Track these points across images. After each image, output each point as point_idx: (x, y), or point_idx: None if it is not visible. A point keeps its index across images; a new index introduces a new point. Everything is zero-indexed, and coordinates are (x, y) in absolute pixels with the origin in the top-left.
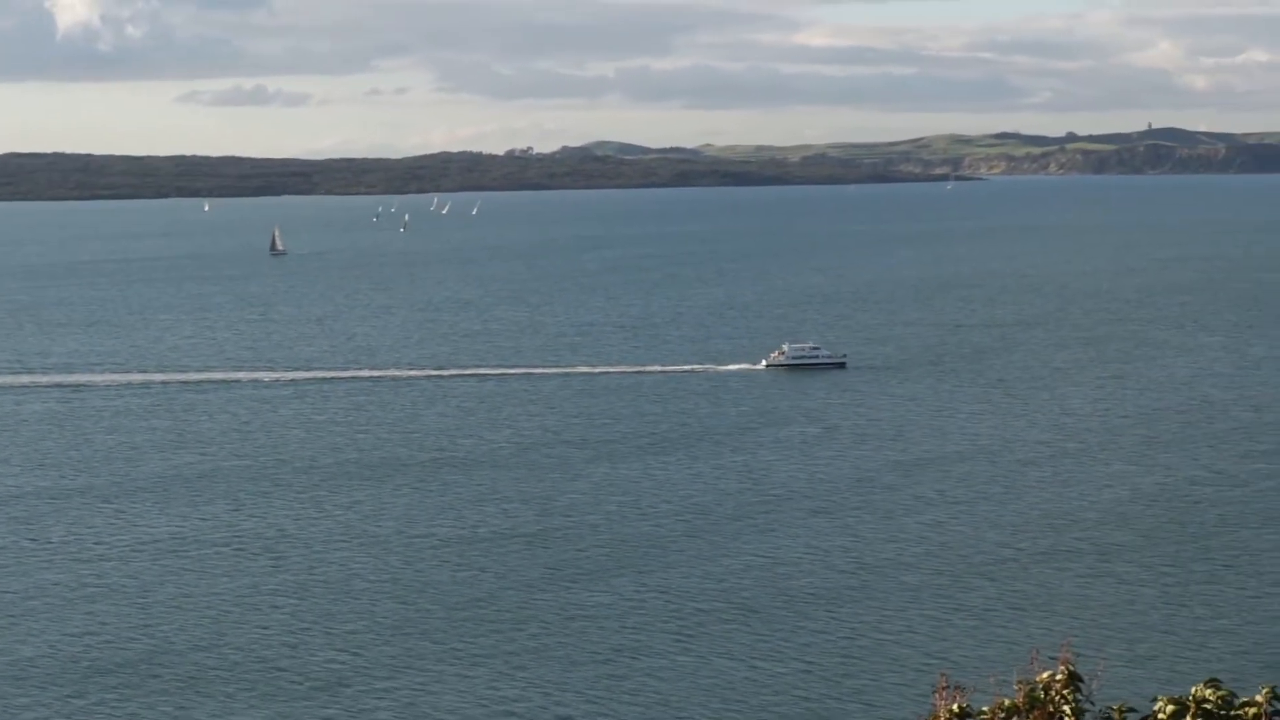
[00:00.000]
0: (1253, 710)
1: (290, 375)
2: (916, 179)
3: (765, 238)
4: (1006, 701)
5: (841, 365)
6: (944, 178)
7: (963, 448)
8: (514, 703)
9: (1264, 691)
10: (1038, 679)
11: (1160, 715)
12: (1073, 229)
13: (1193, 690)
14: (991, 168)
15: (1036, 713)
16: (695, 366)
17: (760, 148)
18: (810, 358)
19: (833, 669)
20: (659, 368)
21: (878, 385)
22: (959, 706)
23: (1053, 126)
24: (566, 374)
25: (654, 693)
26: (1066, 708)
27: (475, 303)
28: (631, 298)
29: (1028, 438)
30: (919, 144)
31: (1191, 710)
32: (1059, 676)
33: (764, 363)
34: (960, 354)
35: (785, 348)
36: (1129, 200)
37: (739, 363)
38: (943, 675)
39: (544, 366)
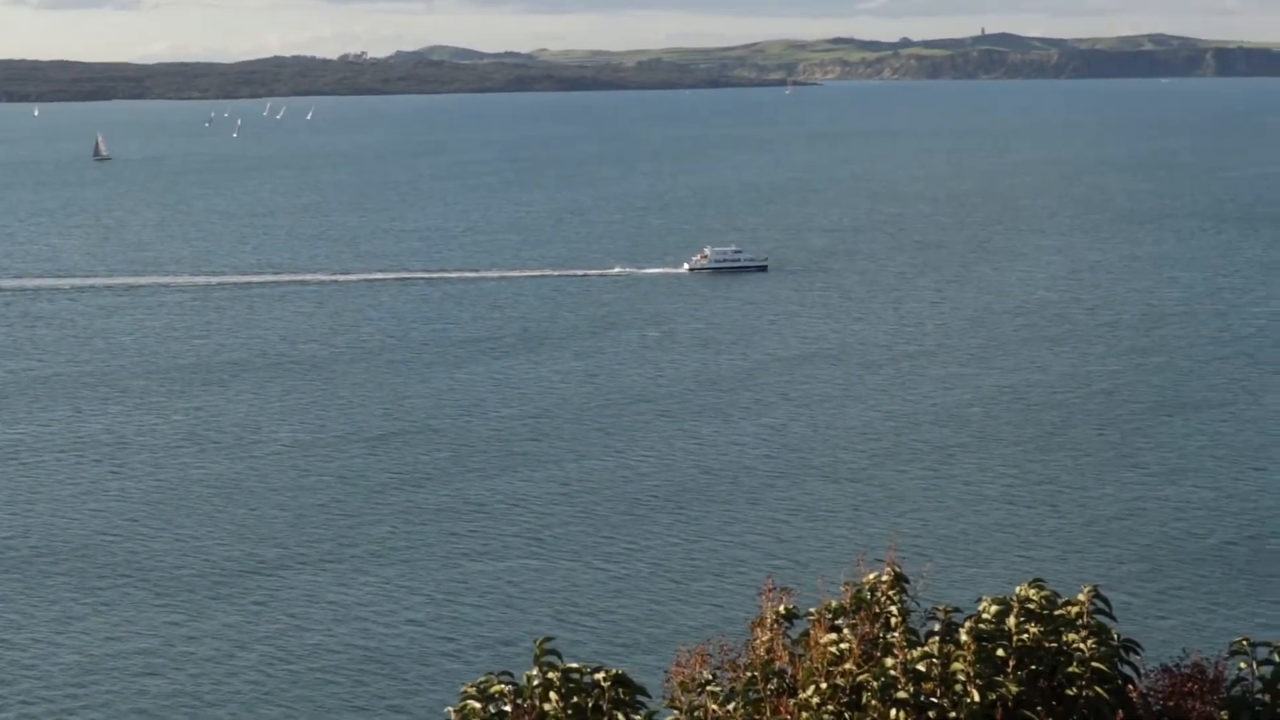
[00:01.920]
0: (1075, 609)
1: (126, 280)
2: (752, 84)
3: (603, 143)
4: (833, 603)
5: (764, 268)
6: (779, 83)
7: (804, 351)
8: (360, 606)
9: (1086, 591)
10: (864, 580)
11: (985, 615)
12: (909, 134)
13: (1017, 590)
14: (827, 73)
15: (862, 614)
16: (619, 270)
17: (596, 53)
18: (733, 261)
19: (676, 571)
20: (581, 272)
21: (717, 289)
22: (785, 608)
23: (887, 32)
24: (449, 278)
25: (500, 594)
26: (893, 608)
27: (313, 208)
28: (470, 202)
29: (869, 341)
30: (754, 49)
31: (1015, 610)
32: (885, 578)
33: (686, 266)
34: (799, 259)
35: (708, 251)
36: (964, 105)
37: (661, 266)
38: (769, 578)
39: (406, 271)
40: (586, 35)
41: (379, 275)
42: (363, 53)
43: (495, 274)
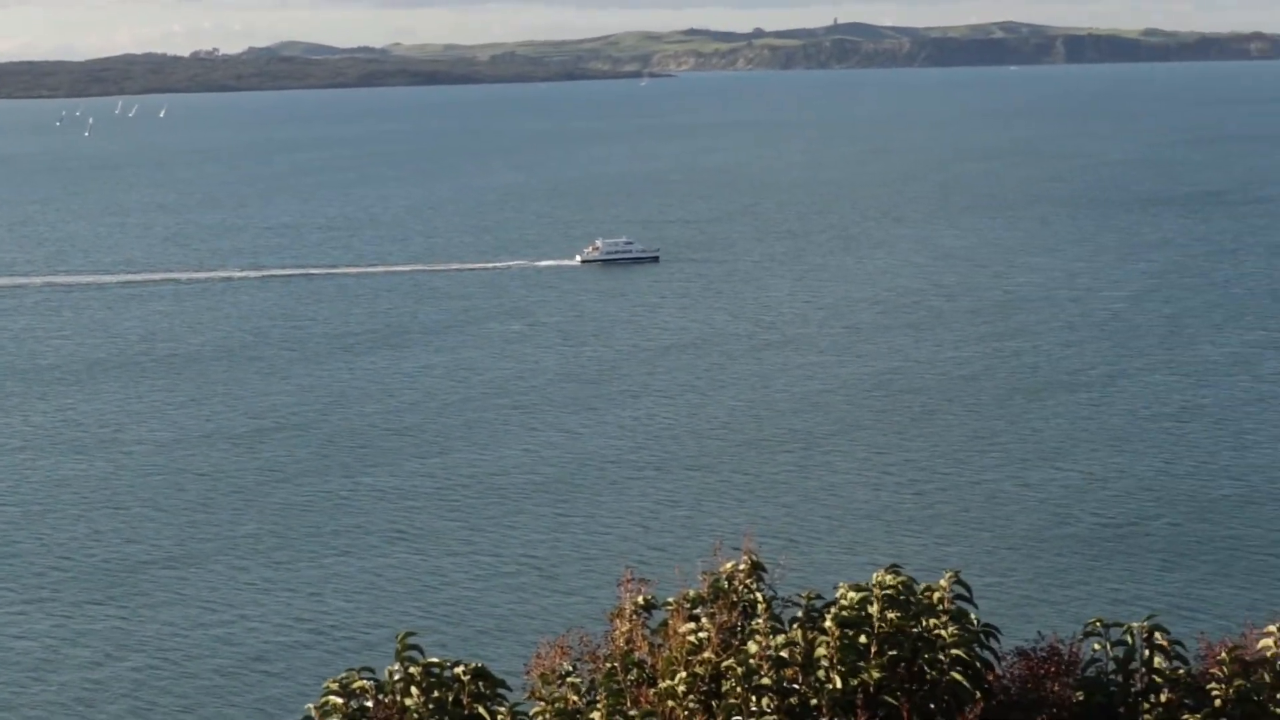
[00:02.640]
0: (936, 594)
1: None
2: (606, 76)
3: (459, 137)
4: (691, 592)
5: (655, 259)
6: (634, 75)
7: (667, 341)
8: (225, 604)
9: (947, 577)
10: (722, 569)
11: (843, 601)
12: (766, 124)
13: (875, 576)
14: (681, 64)
15: (720, 602)
16: (512, 263)
17: (450, 47)
18: (624, 252)
19: (539, 563)
20: (473, 265)
21: (604, 280)
22: (644, 599)
23: (740, 22)
24: (333, 274)
25: (366, 589)
26: (757, 595)
27: (168, 207)
28: (328, 198)
29: (731, 330)
30: (608, 41)
31: (877, 596)
32: (742, 566)
33: (579, 258)
34: (680, 249)
35: (599, 243)
36: (819, 95)
37: (554, 258)
38: (628, 569)
39: (289, 268)
40: (440, 29)
41: (237, 273)
42: (215, 49)
43: (380, 269)
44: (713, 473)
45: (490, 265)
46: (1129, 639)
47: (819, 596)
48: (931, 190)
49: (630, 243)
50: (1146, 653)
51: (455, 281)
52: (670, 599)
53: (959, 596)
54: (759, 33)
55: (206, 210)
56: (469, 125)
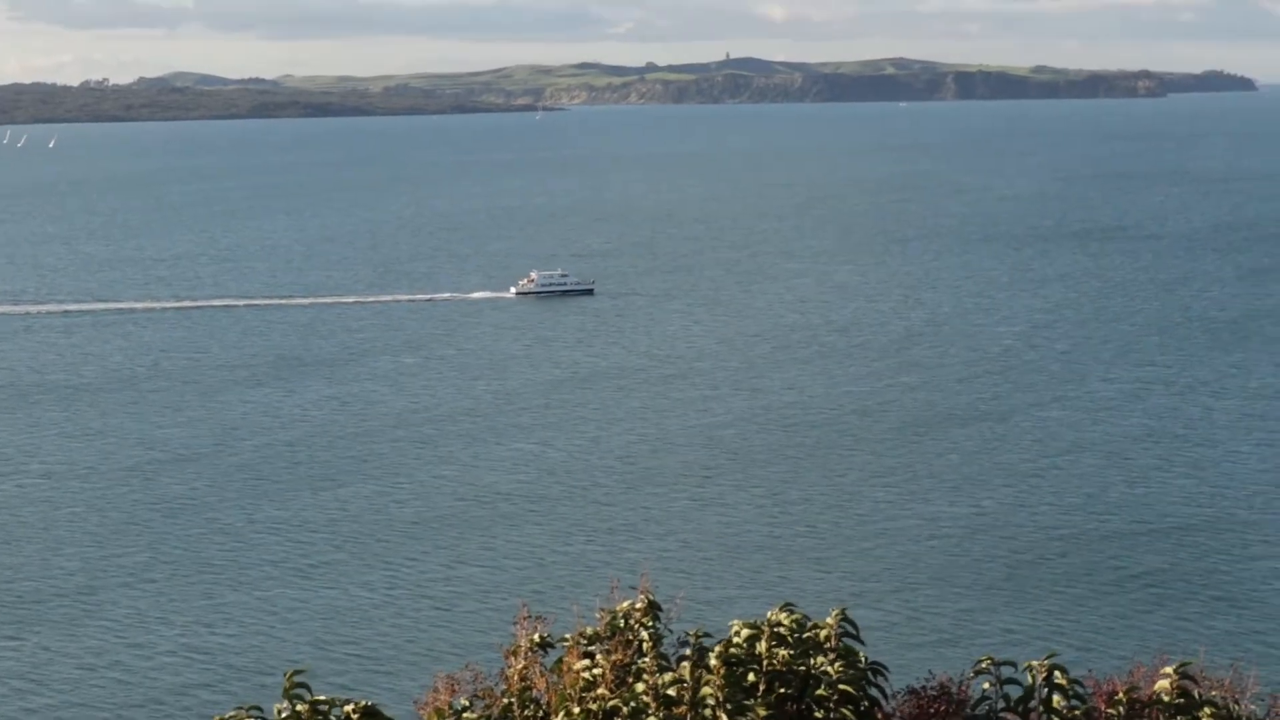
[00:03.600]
0: (823, 632)
1: None
2: (499, 109)
3: (354, 169)
4: (589, 630)
5: (590, 292)
6: (527, 108)
7: (560, 376)
8: (114, 638)
9: (834, 614)
10: (618, 607)
11: (735, 639)
12: (659, 157)
13: (768, 614)
14: (573, 98)
15: (615, 640)
16: (444, 295)
17: (342, 78)
18: (559, 285)
19: (434, 598)
20: (407, 297)
21: (475, 314)
22: (540, 636)
23: (633, 56)
24: (265, 306)
25: (257, 624)
26: (644, 634)
27: (58, 238)
28: (219, 230)
29: (624, 364)
30: (501, 74)
31: (765, 634)
32: (638, 605)
33: (513, 290)
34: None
35: (534, 275)
36: (712, 129)
37: (489, 290)
38: (523, 605)
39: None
40: (332, 61)
41: (129, 304)
42: (105, 79)
43: (306, 300)
44: (610, 507)
45: (425, 297)
46: (1029, 677)
47: (707, 634)
48: (827, 224)
49: (565, 275)
50: (1045, 691)
51: (374, 313)
52: (567, 635)
53: (846, 634)
54: (651, 67)
55: (95, 241)
56: (363, 156)
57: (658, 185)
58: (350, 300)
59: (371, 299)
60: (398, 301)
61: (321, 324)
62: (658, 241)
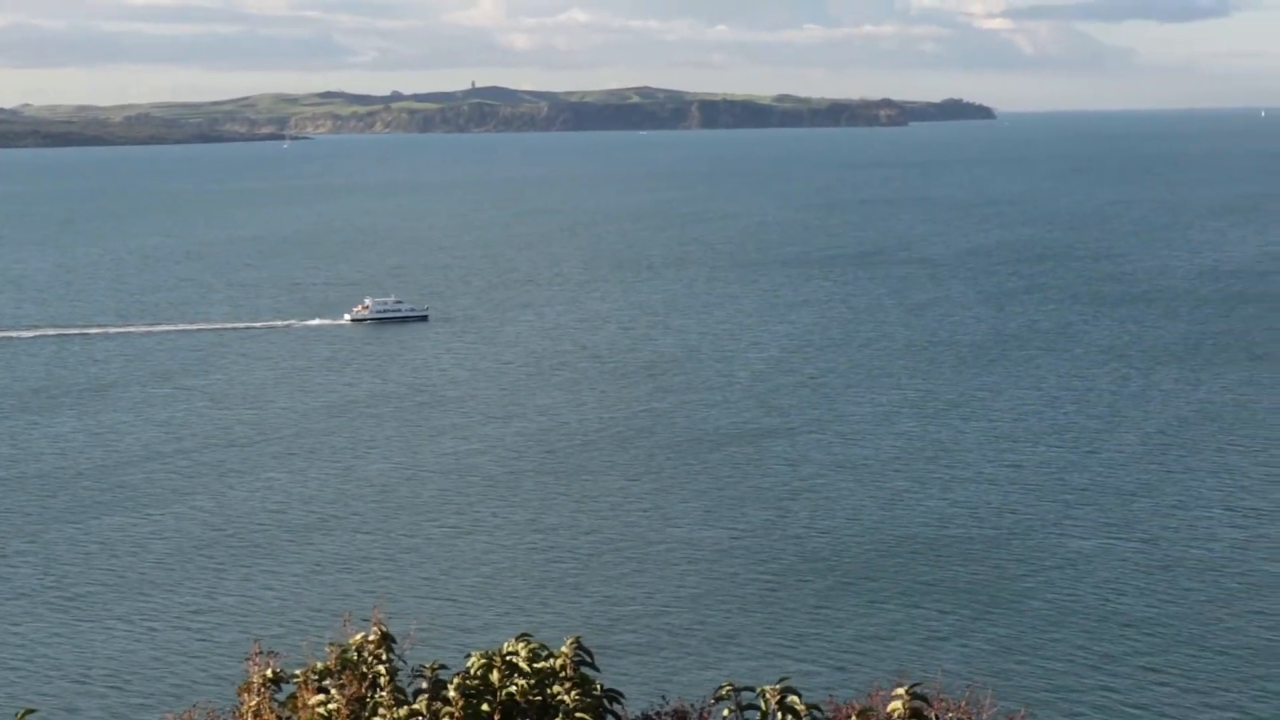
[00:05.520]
0: (558, 661)
1: None
2: (243, 138)
3: (92, 199)
4: (319, 664)
5: (424, 318)
6: (272, 137)
7: (303, 406)
8: None
9: (569, 643)
10: (350, 641)
11: (472, 669)
12: (410, 185)
13: (504, 645)
14: (318, 126)
15: (348, 674)
16: (278, 322)
17: (82, 108)
18: (394, 311)
19: (167, 634)
20: (245, 324)
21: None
22: (272, 672)
23: (378, 85)
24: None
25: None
26: (381, 667)
27: None
28: None
29: (383, 392)
30: (244, 103)
31: (498, 664)
32: (371, 637)
33: (347, 317)
34: (302, 312)
35: (369, 302)
36: (459, 157)
37: (324, 317)
38: (255, 642)
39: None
40: (72, 90)
41: None
42: None
43: (243, 325)
44: (356, 538)
45: (257, 324)
46: (761, 704)
47: (444, 666)
48: (576, 252)
49: (400, 302)
50: (779, 715)
51: (196, 342)
52: (299, 670)
53: (581, 662)
54: (396, 95)
55: None
56: (102, 187)
57: (407, 213)
58: (164, 329)
59: (191, 327)
60: (224, 330)
61: (129, 351)
62: (410, 270)
